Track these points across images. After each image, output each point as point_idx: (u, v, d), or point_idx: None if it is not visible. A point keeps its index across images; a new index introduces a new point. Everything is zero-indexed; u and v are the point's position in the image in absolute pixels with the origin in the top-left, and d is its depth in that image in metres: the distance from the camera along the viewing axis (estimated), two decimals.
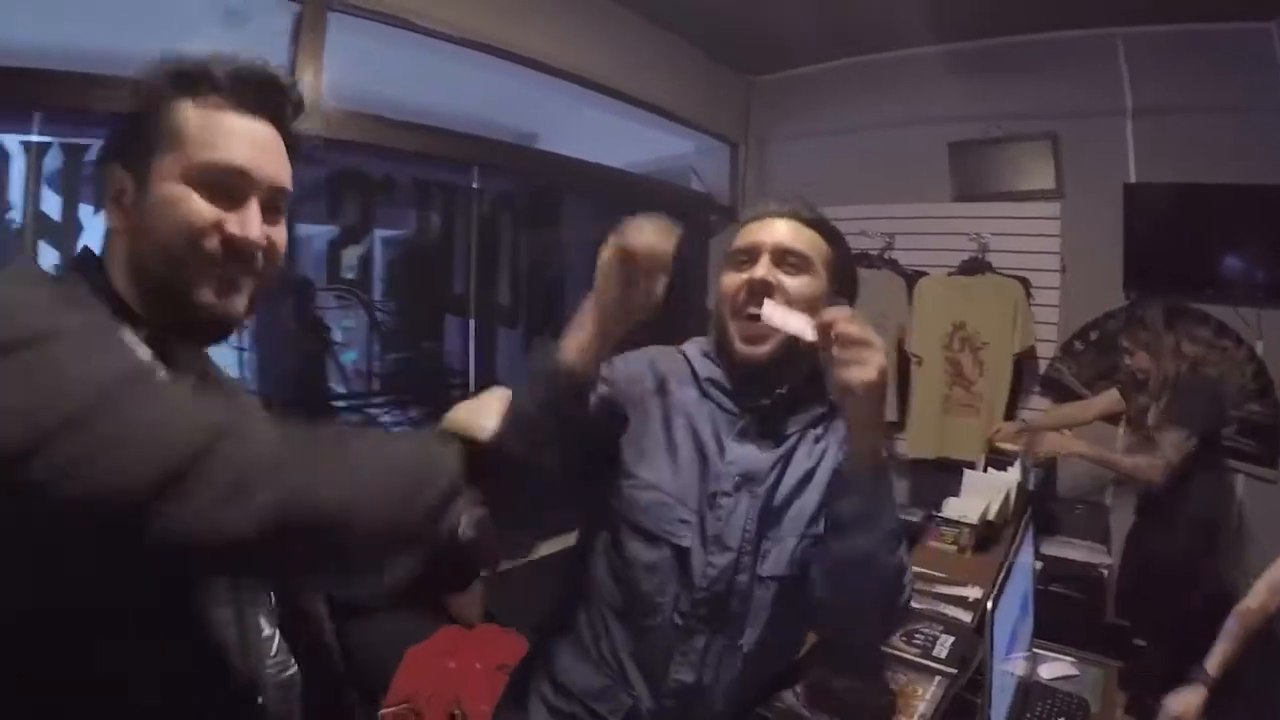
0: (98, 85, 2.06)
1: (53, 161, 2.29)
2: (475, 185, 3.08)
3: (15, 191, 2.22)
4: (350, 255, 2.83)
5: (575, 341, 1.01)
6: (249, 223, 0.83)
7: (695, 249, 4.38)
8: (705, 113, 4.02)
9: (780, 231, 1.22)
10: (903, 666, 1.40)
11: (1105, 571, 2.55)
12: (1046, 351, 3.40)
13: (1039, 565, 2.60)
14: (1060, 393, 3.33)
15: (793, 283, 1.18)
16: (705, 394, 1.23)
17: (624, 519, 1.19)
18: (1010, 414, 3.42)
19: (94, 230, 2.40)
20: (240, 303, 0.85)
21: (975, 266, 3.44)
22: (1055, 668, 1.64)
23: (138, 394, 0.64)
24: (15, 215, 2.23)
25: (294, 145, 0.90)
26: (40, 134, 2.23)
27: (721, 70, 4.08)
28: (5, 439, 0.57)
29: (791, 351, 1.15)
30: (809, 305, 1.15)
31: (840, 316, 1.00)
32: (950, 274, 3.53)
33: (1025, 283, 3.36)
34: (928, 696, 1.29)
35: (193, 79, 0.83)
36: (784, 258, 1.20)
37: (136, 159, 0.83)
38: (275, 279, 0.90)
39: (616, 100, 3.45)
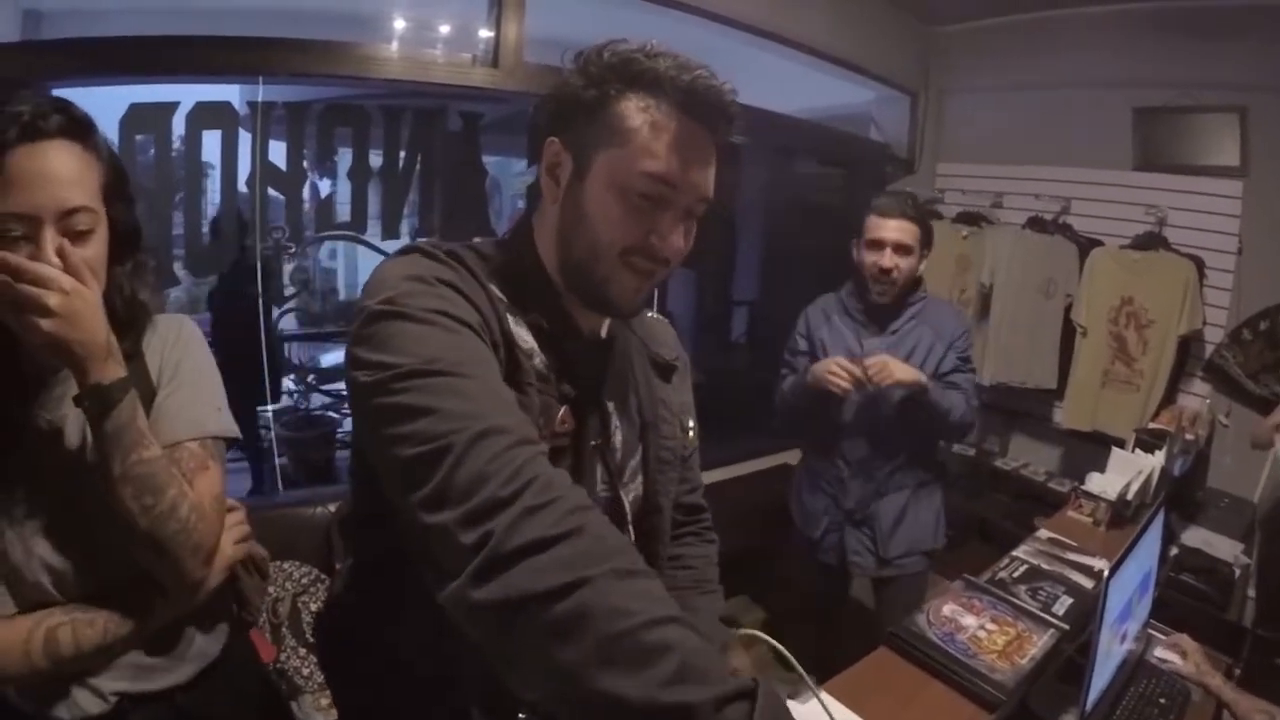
0: (312, 50, 2.31)
1: (277, 117, 2.56)
2: None
3: (244, 145, 2.50)
4: None
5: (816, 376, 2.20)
6: (671, 237, 0.90)
7: (869, 198, 4.40)
8: (885, 62, 3.98)
9: (895, 230, 2.17)
10: (1024, 616, 1.53)
11: (1238, 570, 2.52)
12: (1214, 336, 3.26)
13: (1174, 551, 2.61)
14: (1223, 381, 3.21)
15: (903, 261, 2.18)
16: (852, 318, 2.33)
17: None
18: (1170, 396, 3.33)
19: (317, 178, 2.72)
20: (645, 292, 0.95)
21: (1150, 242, 3.32)
22: (1167, 652, 1.69)
23: (461, 373, 0.76)
24: (244, 165, 2.51)
25: (722, 152, 0.94)
26: (264, 93, 2.48)
27: (904, 19, 4.01)
28: (369, 381, 0.76)
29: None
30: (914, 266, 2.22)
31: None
32: (1123, 247, 3.41)
33: (1199, 263, 3.22)
34: (1039, 644, 1.44)
35: (645, 81, 0.87)
36: (898, 248, 2.17)
37: (578, 144, 0.90)
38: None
39: (797, 49, 3.48)
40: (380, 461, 0.77)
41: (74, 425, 1.04)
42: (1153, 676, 1.62)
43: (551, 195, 0.94)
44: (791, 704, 1.11)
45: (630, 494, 1.06)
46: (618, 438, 1.04)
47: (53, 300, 0.89)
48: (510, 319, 0.90)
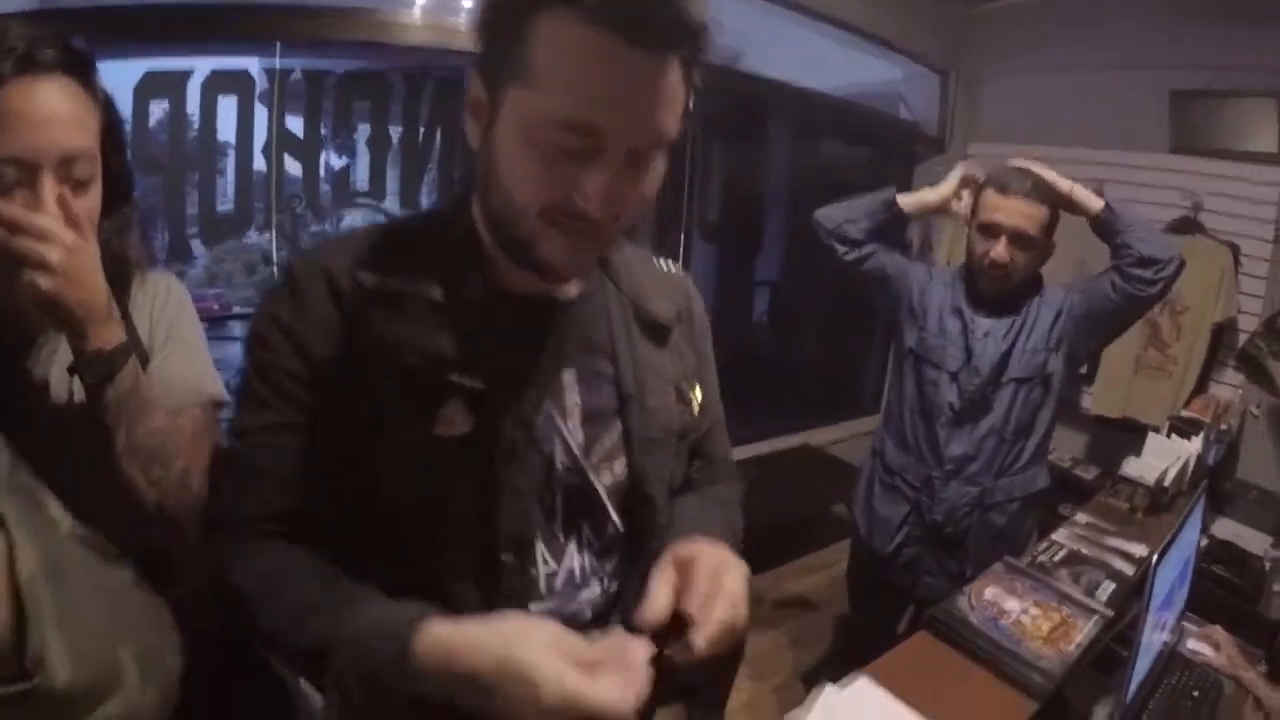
0: (331, 16, 2.30)
1: (295, 85, 2.47)
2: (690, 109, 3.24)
3: (260, 116, 2.42)
4: None
5: (909, 200, 2.00)
6: (600, 193, 0.70)
7: (900, 177, 4.32)
8: (915, 39, 3.89)
9: (1016, 213, 1.80)
10: (1068, 601, 1.49)
11: (1269, 564, 2.48)
12: (1248, 324, 3.19)
13: (1204, 542, 2.56)
14: (1255, 371, 3.13)
15: (1022, 256, 1.81)
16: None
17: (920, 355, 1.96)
18: (1203, 384, 3.27)
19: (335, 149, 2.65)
20: (591, 251, 0.79)
21: (1185, 227, 3.25)
22: (1199, 644, 1.66)
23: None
24: (261, 132, 2.43)
25: (685, 71, 0.71)
26: (282, 61, 2.40)
27: None
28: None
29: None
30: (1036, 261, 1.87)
31: None
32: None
33: (1235, 249, 3.16)
34: (1085, 630, 1.39)
35: None
36: (1016, 238, 1.80)
37: (490, 79, 0.72)
38: (630, 228, 0.79)
39: (825, 23, 3.41)
40: None
41: (59, 395, 0.95)
42: (1186, 669, 1.58)
43: (474, 141, 0.76)
44: (832, 688, 1.06)
45: (607, 478, 0.89)
46: (576, 416, 0.87)
47: (54, 256, 0.80)
48: (381, 310, 0.77)
